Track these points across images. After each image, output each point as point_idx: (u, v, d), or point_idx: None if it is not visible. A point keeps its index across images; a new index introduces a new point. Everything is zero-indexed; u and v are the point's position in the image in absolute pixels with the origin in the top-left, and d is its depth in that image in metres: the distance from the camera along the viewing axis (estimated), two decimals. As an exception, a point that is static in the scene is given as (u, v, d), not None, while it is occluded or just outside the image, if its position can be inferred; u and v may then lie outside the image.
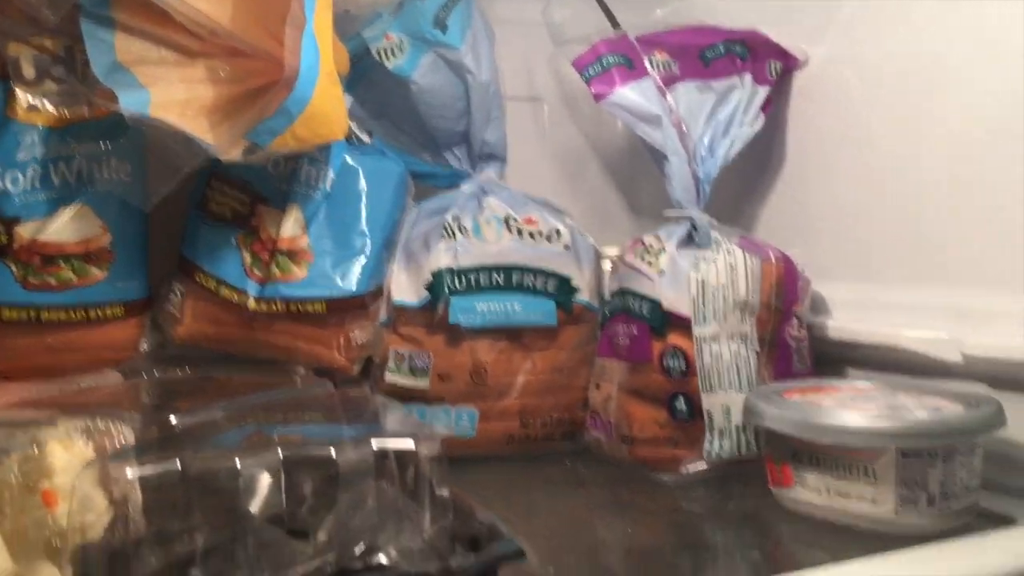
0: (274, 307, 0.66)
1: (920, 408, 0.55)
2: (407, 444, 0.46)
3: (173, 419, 0.50)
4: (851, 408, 0.56)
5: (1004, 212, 0.61)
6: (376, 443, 0.45)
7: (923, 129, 0.67)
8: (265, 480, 0.44)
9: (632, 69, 0.72)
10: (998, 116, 0.62)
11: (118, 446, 0.44)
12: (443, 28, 0.73)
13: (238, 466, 0.41)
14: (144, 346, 0.67)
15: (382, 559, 0.44)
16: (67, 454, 0.41)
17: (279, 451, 0.43)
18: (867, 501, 0.54)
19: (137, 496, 0.43)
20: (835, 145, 0.74)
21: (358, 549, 0.44)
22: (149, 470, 0.41)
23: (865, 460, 0.53)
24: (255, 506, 0.44)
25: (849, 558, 0.50)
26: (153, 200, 0.60)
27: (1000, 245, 0.61)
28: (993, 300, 0.61)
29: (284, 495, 0.44)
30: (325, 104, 0.58)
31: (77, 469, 0.41)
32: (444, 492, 0.48)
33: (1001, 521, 0.55)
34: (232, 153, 0.58)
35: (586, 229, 0.80)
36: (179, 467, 0.41)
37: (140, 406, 0.61)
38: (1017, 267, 0.60)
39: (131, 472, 0.40)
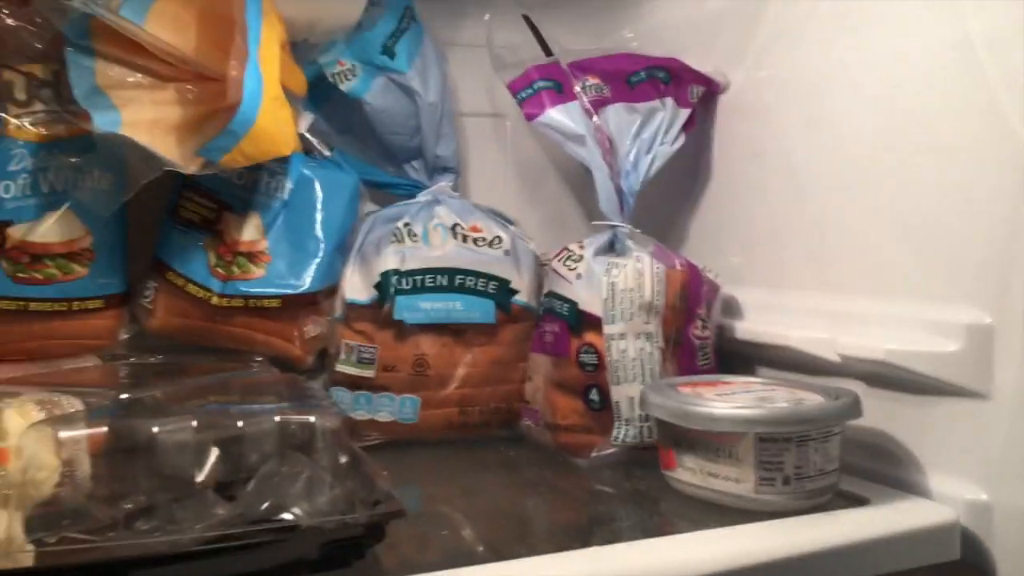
0: (234, 302, 0.74)
1: (785, 400, 0.62)
2: (308, 418, 0.54)
3: (123, 396, 0.59)
4: (724, 399, 0.62)
5: (874, 227, 0.68)
6: (280, 417, 0.53)
7: (823, 144, 0.73)
8: (194, 448, 0.53)
9: (561, 93, 0.80)
10: (879, 135, 0.68)
11: (63, 416, 0.53)
12: (391, 55, 0.81)
13: (155, 431, 0.50)
14: (123, 335, 0.76)
15: (286, 516, 0.52)
16: (21, 420, 0.50)
17: (192, 422, 0.51)
18: (732, 480, 0.61)
19: (84, 458, 0.51)
20: (751, 160, 0.81)
21: (266, 506, 0.52)
22: (79, 432, 0.49)
23: (729, 444, 0.60)
24: (185, 470, 0.52)
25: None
26: (112, 207, 0.69)
27: (876, 253, 0.68)
28: (866, 306, 0.68)
29: (217, 462, 0.53)
30: (271, 124, 0.66)
31: (25, 432, 0.50)
32: (344, 460, 0.56)
33: (856, 501, 0.62)
34: (192, 167, 0.67)
35: (544, 236, 0.88)
36: (107, 430, 0.50)
37: (114, 385, 0.70)
38: (884, 277, 0.67)
39: (64, 434, 0.49)
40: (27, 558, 0.47)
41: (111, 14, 0.65)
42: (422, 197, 0.85)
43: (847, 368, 0.68)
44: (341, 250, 0.79)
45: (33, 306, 0.70)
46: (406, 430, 0.79)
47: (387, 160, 0.88)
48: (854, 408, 0.62)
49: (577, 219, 1.04)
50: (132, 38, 0.67)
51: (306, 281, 0.76)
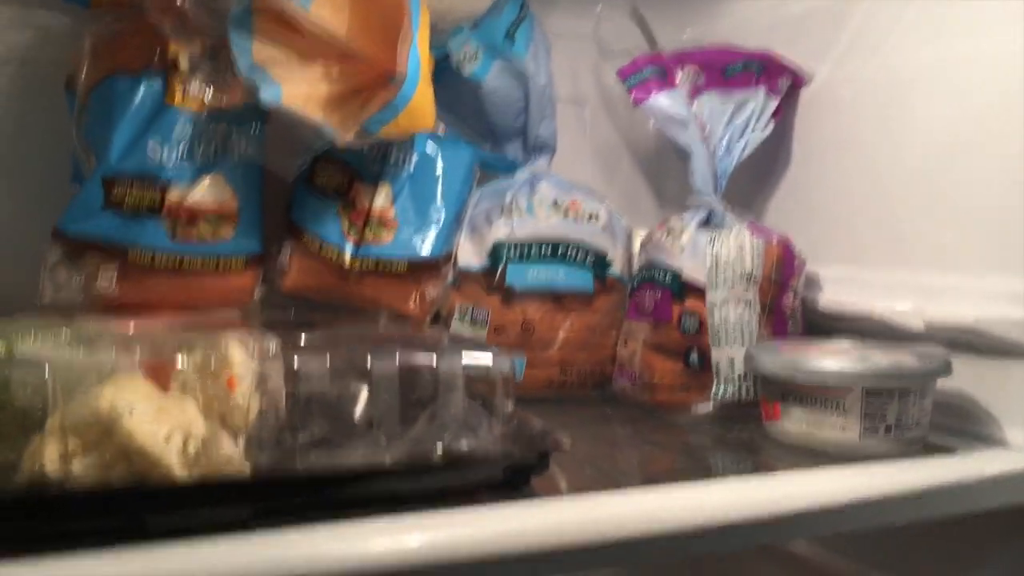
0: (366, 265, 0.81)
1: (884, 359, 0.69)
2: (486, 361, 0.61)
3: (303, 337, 0.65)
4: (829, 357, 0.70)
5: (959, 206, 0.76)
6: (465, 358, 0.60)
7: (899, 137, 0.81)
8: (365, 392, 0.59)
9: (665, 80, 0.87)
10: (955, 129, 0.76)
11: (271, 351, 0.60)
12: (512, 40, 0.88)
13: (368, 364, 0.56)
14: (257, 294, 0.83)
15: (463, 447, 0.59)
16: (242, 352, 0.56)
17: (397, 357, 0.57)
18: (838, 430, 0.68)
19: (283, 391, 0.58)
20: (830, 149, 0.88)
21: (445, 438, 0.59)
22: (302, 363, 0.56)
23: (837, 396, 0.68)
24: (359, 411, 0.59)
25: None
26: (294, 172, 0.75)
27: (956, 233, 0.76)
28: (950, 278, 0.76)
29: (393, 402, 0.59)
30: (422, 101, 0.73)
31: (248, 363, 0.56)
32: (510, 405, 0.62)
33: (944, 451, 0.70)
34: (347, 138, 0.73)
35: (619, 214, 0.95)
36: (327, 363, 0.56)
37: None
38: (968, 251, 0.75)
39: (296, 363, 0.55)
40: (247, 471, 0.53)
41: (283, -3, 0.71)
42: (522, 174, 0.92)
43: (928, 336, 0.76)
44: (458, 219, 0.86)
45: (187, 263, 0.76)
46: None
47: (485, 139, 0.95)
48: (946, 366, 0.69)
49: (648, 200, 1.12)
50: (291, 20, 0.74)
51: (430, 247, 0.83)
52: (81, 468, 0.50)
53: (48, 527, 0.49)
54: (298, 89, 0.74)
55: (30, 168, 0.83)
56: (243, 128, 0.78)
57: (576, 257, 0.88)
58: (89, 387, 0.52)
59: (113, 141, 0.73)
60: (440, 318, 0.87)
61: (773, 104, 0.88)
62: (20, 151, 0.84)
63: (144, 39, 0.76)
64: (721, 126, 0.87)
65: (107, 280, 0.75)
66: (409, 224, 0.83)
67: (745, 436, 0.76)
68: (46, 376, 0.51)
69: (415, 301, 0.84)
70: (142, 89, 0.74)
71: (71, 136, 0.77)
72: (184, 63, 0.76)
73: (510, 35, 0.88)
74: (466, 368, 0.60)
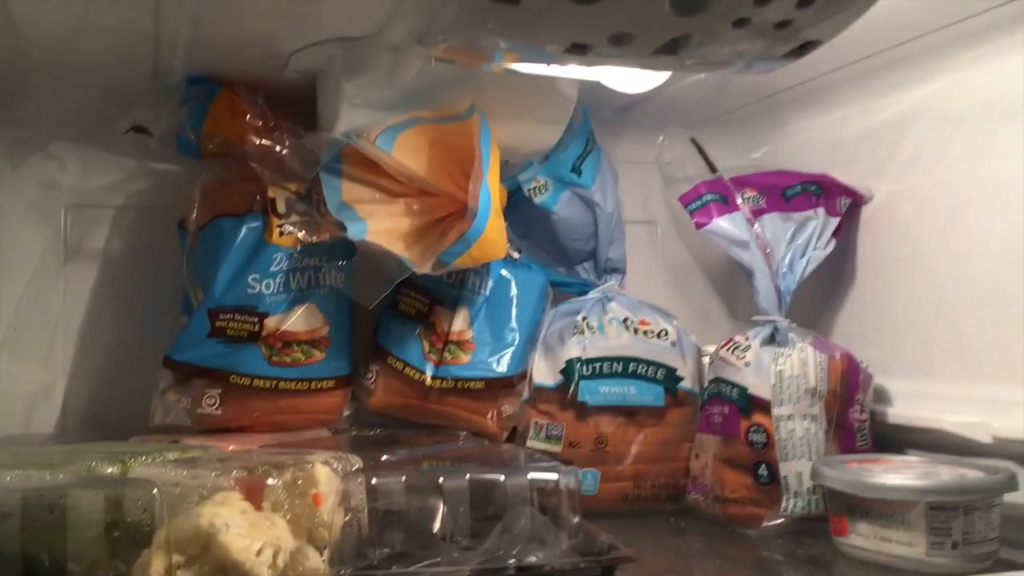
0: (446, 384, 0.86)
1: (948, 473, 0.70)
2: (552, 477, 0.65)
3: (384, 456, 0.70)
4: (893, 472, 0.71)
5: (1014, 323, 0.77)
6: (531, 474, 0.64)
7: (962, 252, 0.83)
8: (440, 507, 0.64)
9: (726, 204, 0.92)
10: (1016, 243, 0.78)
11: (353, 470, 0.65)
12: (579, 172, 0.94)
13: (440, 481, 0.61)
14: (346, 412, 0.89)
15: (532, 559, 0.62)
16: (327, 471, 0.62)
17: (467, 474, 0.62)
18: (904, 545, 0.69)
19: (364, 507, 0.63)
20: (894, 263, 0.91)
21: (516, 551, 0.62)
22: (382, 481, 0.61)
23: (902, 512, 0.69)
24: (436, 525, 0.63)
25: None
26: (374, 301, 0.82)
27: (1014, 349, 0.77)
28: (1018, 392, 0.76)
29: (465, 516, 0.63)
30: (493, 233, 0.79)
31: (332, 481, 0.61)
32: (576, 519, 0.66)
33: (1018, 567, 0.70)
34: (424, 267, 0.79)
35: (691, 330, 0.98)
36: (403, 480, 0.61)
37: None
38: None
39: (374, 481, 0.60)
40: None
41: (368, 144, 0.79)
42: (594, 294, 0.97)
43: (998, 449, 0.76)
44: (532, 339, 0.91)
45: (282, 385, 0.83)
46: (586, 501, 0.87)
47: (559, 262, 1.00)
48: (1012, 481, 0.70)
49: (720, 315, 1.15)
50: (375, 162, 0.81)
51: (505, 366, 0.88)
52: (183, 579, 0.55)
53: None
54: (381, 224, 0.81)
55: (146, 302, 0.93)
56: (333, 261, 0.86)
57: (647, 373, 0.91)
58: (191, 505, 0.58)
59: (218, 276, 0.82)
60: (517, 433, 0.91)
61: (833, 223, 0.92)
62: (137, 287, 0.93)
63: (247, 184, 0.85)
64: (783, 245, 0.91)
65: (211, 403, 0.82)
66: (485, 345, 0.88)
67: (815, 551, 0.77)
68: (155, 495, 0.57)
69: (493, 418, 0.88)
70: (244, 229, 0.83)
71: (181, 272, 0.86)
72: (281, 205, 0.84)
73: (576, 168, 0.94)
74: (533, 483, 0.64)
